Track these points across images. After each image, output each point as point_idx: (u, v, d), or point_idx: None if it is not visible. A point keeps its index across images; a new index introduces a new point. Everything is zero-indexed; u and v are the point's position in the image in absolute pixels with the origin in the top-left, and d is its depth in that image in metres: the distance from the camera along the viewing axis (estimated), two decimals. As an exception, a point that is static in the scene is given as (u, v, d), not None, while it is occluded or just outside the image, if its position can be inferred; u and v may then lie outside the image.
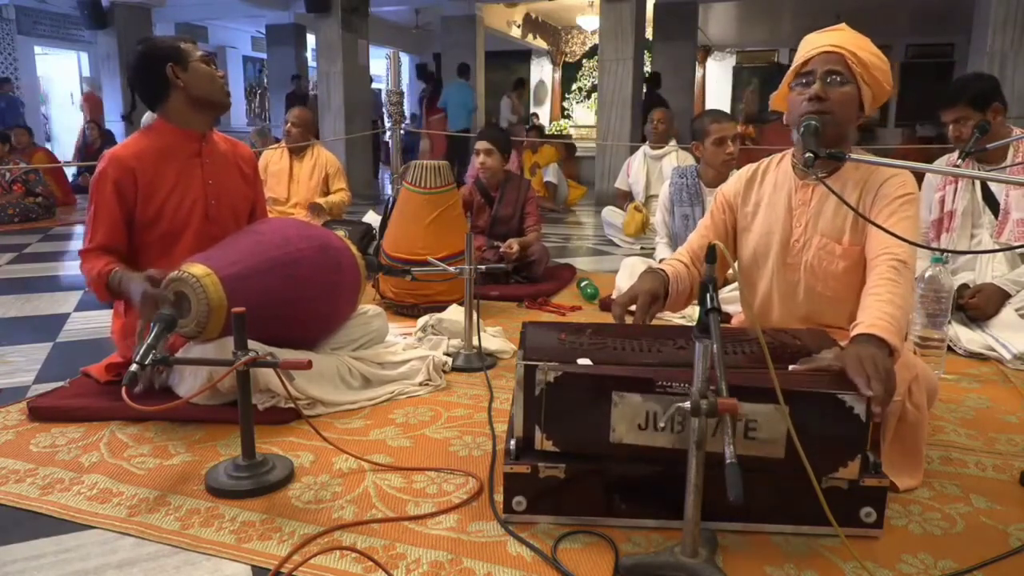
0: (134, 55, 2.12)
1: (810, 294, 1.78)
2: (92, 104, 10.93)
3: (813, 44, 1.67)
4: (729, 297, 2.77)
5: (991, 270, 2.76)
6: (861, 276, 1.71)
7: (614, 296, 3.28)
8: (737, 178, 1.90)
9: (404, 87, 6.02)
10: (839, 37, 1.66)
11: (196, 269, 1.88)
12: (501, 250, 3.51)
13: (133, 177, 2.03)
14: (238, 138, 2.44)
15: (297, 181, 4.44)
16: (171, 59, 2.08)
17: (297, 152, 4.46)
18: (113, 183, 2.02)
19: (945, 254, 2.56)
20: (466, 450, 1.80)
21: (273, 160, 4.50)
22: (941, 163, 2.91)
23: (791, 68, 1.71)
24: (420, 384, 2.19)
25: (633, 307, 1.69)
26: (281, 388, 1.93)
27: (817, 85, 1.62)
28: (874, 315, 1.44)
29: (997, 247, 2.71)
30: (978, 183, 2.77)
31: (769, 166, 1.87)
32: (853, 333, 1.45)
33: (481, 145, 3.71)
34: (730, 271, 2.34)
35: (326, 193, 4.48)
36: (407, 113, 9.61)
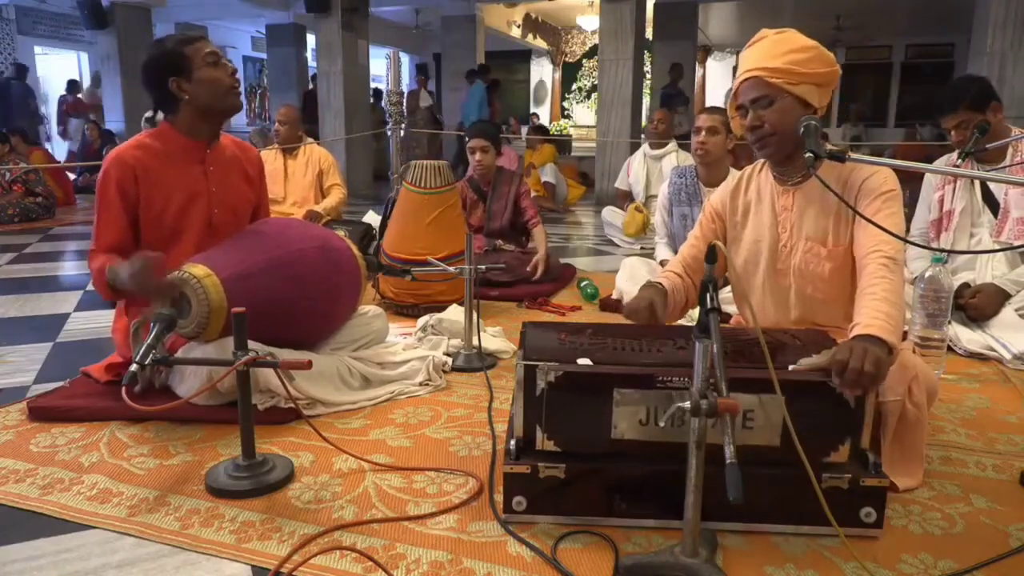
0: (143, 63, 2.05)
1: (801, 297, 1.79)
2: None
3: (740, 68, 1.71)
4: (729, 297, 2.77)
5: (991, 269, 2.76)
6: (849, 276, 1.71)
7: (614, 296, 3.28)
8: (723, 188, 1.93)
9: (404, 87, 6.01)
10: (755, 57, 1.67)
11: (197, 270, 1.88)
12: (532, 272, 3.50)
13: (134, 177, 2.02)
14: (239, 139, 2.42)
15: (292, 179, 4.45)
16: (173, 71, 2.01)
17: (290, 151, 4.46)
18: (116, 183, 2.01)
19: (945, 253, 2.56)
20: (466, 450, 1.80)
21: (268, 160, 4.49)
22: (941, 163, 2.91)
23: (730, 99, 1.76)
24: (420, 384, 2.19)
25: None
26: (281, 388, 1.93)
27: (750, 115, 1.66)
28: (870, 315, 1.44)
29: (997, 247, 2.71)
30: (978, 183, 2.76)
31: (752, 174, 1.88)
32: (851, 334, 1.45)
33: (476, 143, 3.70)
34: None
35: (322, 188, 4.47)
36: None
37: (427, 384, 2.20)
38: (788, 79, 1.62)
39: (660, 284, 1.80)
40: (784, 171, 1.76)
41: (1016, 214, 2.66)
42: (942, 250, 2.62)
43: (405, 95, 10.22)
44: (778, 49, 1.64)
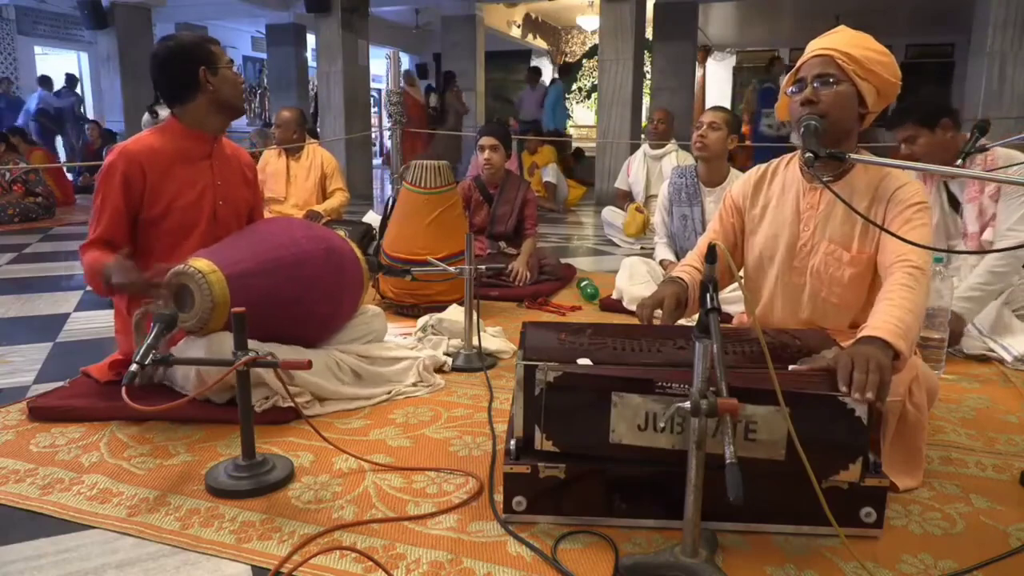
0: (164, 50, 2.10)
1: (814, 299, 1.77)
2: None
3: (808, 50, 1.69)
4: (730, 297, 2.77)
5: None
6: (867, 284, 1.70)
7: (614, 296, 3.28)
8: (745, 180, 1.90)
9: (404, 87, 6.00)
10: (831, 40, 1.67)
11: (201, 264, 1.88)
12: (514, 280, 3.50)
13: (142, 172, 2.03)
14: (239, 138, 2.44)
15: (294, 182, 4.45)
16: (204, 62, 2.08)
17: (293, 152, 4.46)
18: (122, 176, 2.01)
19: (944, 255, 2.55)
20: (466, 450, 1.80)
21: (271, 160, 4.51)
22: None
23: (787, 76, 1.73)
24: (413, 385, 2.18)
25: (659, 311, 1.70)
26: (275, 383, 1.93)
27: (808, 89, 1.64)
28: (882, 319, 1.42)
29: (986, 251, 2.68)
30: (944, 194, 2.72)
31: (778, 168, 1.86)
32: (859, 335, 1.44)
33: (487, 141, 3.65)
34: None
35: (324, 192, 4.48)
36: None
37: (419, 385, 2.19)
38: (858, 69, 1.62)
39: (680, 279, 1.79)
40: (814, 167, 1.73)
41: (972, 229, 2.64)
42: (946, 251, 2.61)
43: (436, 97, 10.23)
44: (857, 41, 1.65)
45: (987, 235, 2.59)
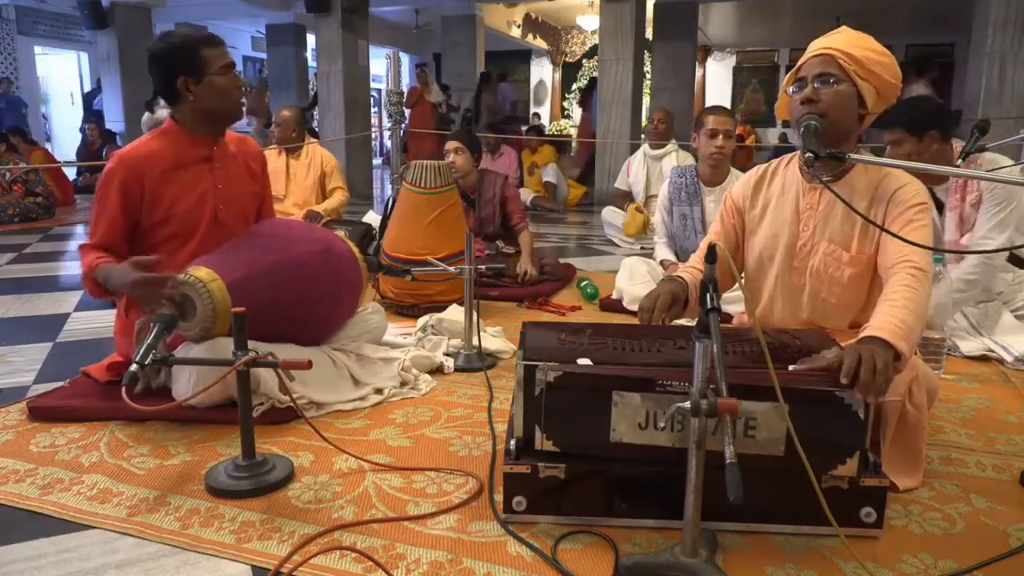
0: (153, 49, 2.04)
1: (814, 300, 1.77)
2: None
3: (809, 50, 1.69)
4: (730, 297, 2.77)
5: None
6: (867, 284, 1.70)
7: (614, 296, 3.28)
8: (745, 181, 1.90)
9: (404, 87, 6.02)
10: (832, 40, 1.67)
11: (201, 273, 1.87)
12: (522, 280, 3.48)
13: (141, 180, 2.01)
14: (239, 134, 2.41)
15: (294, 180, 4.46)
16: (185, 71, 2.00)
17: (292, 151, 4.47)
18: (120, 184, 1.99)
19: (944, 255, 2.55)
20: (466, 450, 1.80)
21: (271, 159, 4.51)
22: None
23: (787, 75, 1.72)
24: (399, 387, 2.17)
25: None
26: (273, 391, 1.93)
27: (808, 88, 1.63)
28: (884, 319, 1.42)
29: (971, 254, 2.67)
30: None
31: (778, 168, 1.86)
32: (860, 335, 1.44)
33: (450, 145, 3.65)
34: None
35: (323, 190, 4.48)
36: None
37: (405, 387, 2.17)
38: (859, 69, 1.61)
39: (680, 278, 1.79)
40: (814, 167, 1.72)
41: (950, 237, 2.63)
42: (944, 250, 2.61)
43: (473, 97, 10.20)
44: (859, 42, 1.65)
45: (965, 240, 2.59)
